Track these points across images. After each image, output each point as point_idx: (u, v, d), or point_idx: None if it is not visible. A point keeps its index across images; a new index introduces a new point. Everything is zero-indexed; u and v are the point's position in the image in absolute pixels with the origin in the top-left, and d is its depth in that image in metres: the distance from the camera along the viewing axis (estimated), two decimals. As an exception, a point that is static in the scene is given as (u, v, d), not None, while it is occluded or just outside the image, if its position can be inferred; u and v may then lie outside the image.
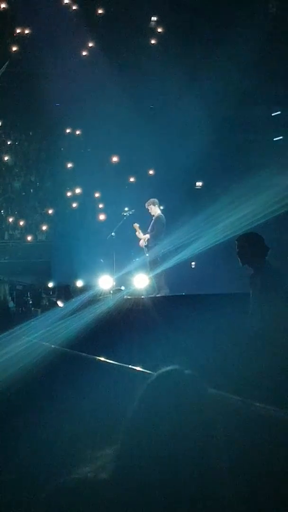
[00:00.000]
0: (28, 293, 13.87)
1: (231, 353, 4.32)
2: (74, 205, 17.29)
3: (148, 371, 2.90)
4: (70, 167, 17.33)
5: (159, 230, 10.17)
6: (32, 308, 12.69)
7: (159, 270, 10.03)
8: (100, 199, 16.97)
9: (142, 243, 10.43)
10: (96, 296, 10.34)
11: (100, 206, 16.84)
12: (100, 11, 16.41)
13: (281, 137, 14.14)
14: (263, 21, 14.31)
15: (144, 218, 11.00)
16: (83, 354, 4.09)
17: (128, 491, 1.16)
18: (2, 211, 17.51)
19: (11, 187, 17.92)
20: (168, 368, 1.33)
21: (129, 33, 16.04)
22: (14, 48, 16.36)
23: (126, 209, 11.97)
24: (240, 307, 4.93)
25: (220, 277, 12.24)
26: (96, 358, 3.76)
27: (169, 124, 15.31)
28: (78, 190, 17.25)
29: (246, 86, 14.45)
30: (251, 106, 14.32)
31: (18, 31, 16.43)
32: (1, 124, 17.59)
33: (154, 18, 16.65)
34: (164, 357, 4.82)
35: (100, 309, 8.48)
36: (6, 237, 17.12)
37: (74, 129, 17.43)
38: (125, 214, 11.43)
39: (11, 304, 12.84)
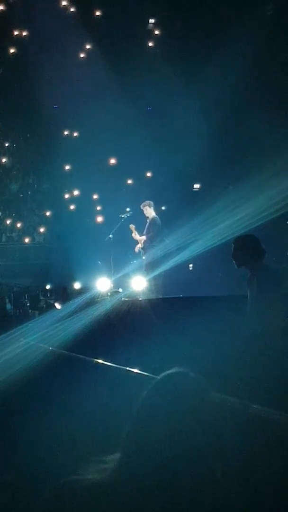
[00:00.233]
0: (26, 295, 13.84)
1: (229, 355, 4.32)
2: (72, 207, 17.28)
3: (146, 373, 2.90)
4: (68, 169, 17.32)
5: (155, 232, 10.19)
6: (30, 310, 12.66)
7: (155, 272, 10.04)
8: (98, 201, 16.97)
9: (137, 248, 10.45)
10: (93, 298, 10.34)
11: (98, 208, 16.85)
12: (97, 13, 16.43)
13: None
14: (262, 24, 14.34)
15: (142, 220, 11.02)
16: (81, 356, 4.09)
17: (130, 494, 1.15)
18: (-1, 213, 17.51)
19: (9, 189, 17.90)
20: (173, 370, 1.32)
21: (127, 35, 16.05)
22: (12, 50, 16.37)
23: (127, 209, 11.97)
24: (238, 309, 4.94)
25: (218, 279, 12.25)
26: (93, 360, 3.75)
27: (166, 127, 15.34)
28: (76, 192, 17.25)
29: (245, 88, 14.47)
30: (249, 108, 14.32)
31: (15, 33, 16.44)
32: (-1, 126, 17.60)
33: (152, 21, 16.68)
34: (162, 359, 4.82)
35: (97, 311, 8.47)
36: (3, 239, 17.10)
37: (72, 131, 17.43)
38: (123, 216, 11.44)
39: (8, 306, 12.83)
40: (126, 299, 9.67)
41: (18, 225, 17.29)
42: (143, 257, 10.45)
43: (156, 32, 16.67)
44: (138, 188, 15.86)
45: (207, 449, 1.19)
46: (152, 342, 5.56)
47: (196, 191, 16.22)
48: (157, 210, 11.52)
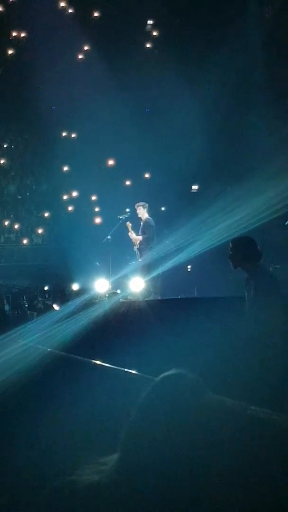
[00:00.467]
0: (24, 296, 13.84)
1: (227, 356, 4.32)
2: (70, 208, 17.28)
3: (144, 375, 2.90)
4: (66, 170, 17.32)
5: (151, 234, 10.20)
6: (28, 311, 12.66)
7: (152, 274, 10.05)
8: (96, 203, 16.98)
9: (135, 246, 10.46)
10: (92, 299, 10.33)
11: (96, 209, 16.84)
12: (95, 14, 16.44)
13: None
14: (260, 25, 14.36)
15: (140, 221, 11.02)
16: (79, 357, 4.08)
17: (128, 495, 1.15)
18: (-3, 214, 17.50)
19: (7, 190, 17.89)
20: (171, 372, 1.32)
21: (125, 36, 16.07)
22: (10, 51, 16.37)
23: (127, 209, 11.96)
24: (236, 311, 4.94)
25: (216, 280, 12.24)
26: (91, 362, 3.75)
27: (165, 128, 15.35)
28: (74, 193, 17.24)
29: (243, 89, 14.49)
30: (248, 110, 14.35)
31: (13, 34, 16.44)
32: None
33: (150, 22, 16.70)
34: (161, 360, 4.82)
35: (96, 312, 8.47)
36: (1, 240, 17.09)
37: (70, 132, 17.43)
38: (121, 217, 11.44)
39: (6, 307, 12.81)
40: (124, 300, 9.67)
41: (16, 226, 17.28)
42: (139, 259, 10.45)
43: (154, 33, 16.69)
44: (136, 189, 15.86)
45: (205, 450, 1.18)
46: (150, 343, 5.56)
47: (194, 192, 16.23)
48: (153, 211, 11.54)
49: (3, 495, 2.77)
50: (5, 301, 13.02)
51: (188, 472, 1.16)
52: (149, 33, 16.77)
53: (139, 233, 10.45)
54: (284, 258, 11.02)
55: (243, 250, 4.66)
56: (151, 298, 9.81)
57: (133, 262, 11.34)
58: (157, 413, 1.24)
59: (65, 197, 17.42)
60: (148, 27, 16.76)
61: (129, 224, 10.68)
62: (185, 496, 1.14)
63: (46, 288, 14.23)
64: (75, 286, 12.64)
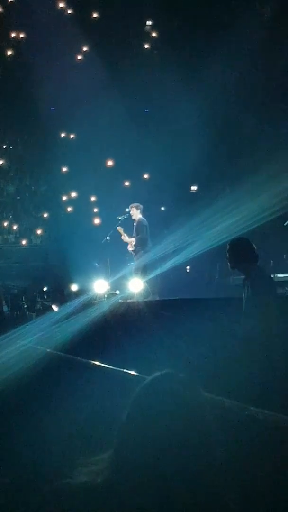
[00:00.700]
0: (23, 297, 13.84)
1: (225, 356, 4.34)
2: (69, 209, 17.28)
3: (142, 376, 2.90)
4: (65, 171, 17.32)
5: (143, 234, 10.20)
6: (27, 312, 12.66)
7: (148, 275, 10.05)
8: (95, 203, 16.98)
9: (129, 247, 10.47)
10: (91, 300, 10.34)
11: (95, 210, 16.85)
12: (94, 15, 16.45)
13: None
14: (260, 25, 14.36)
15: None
16: (78, 358, 4.09)
17: (121, 496, 1.16)
18: (-4, 215, 17.49)
19: (6, 191, 17.89)
20: (162, 372, 1.33)
21: (124, 37, 16.09)
22: (9, 52, 16.38)
23: (127, 210, 11.97)
24: (235, 311, 4.95)
25: (215, 281, 12.26)
26: (90, 362, 3.76)
27: (164, 128, 15.35)
28: (73, 194, 17.24)
29: (242, 90, 14.51)
30: (247, 111, 14.36)
31: (12, 35, 16.45)
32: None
33: (149, 23, 16.71)
34: (159, 361, 4.82)
35: (94, 313, 8.47)
36: (0, 241, 17.09)
37: (69, 133, 17.43)
38: (120, 218, 11.44)
39: (5, 308, 12.82)
40: (123, 301, 9.68)
41: (15, 227, 17.28)
42: (135, 260, 10.45)
43: (154, 34, 16.70)
44: (135, 190, 15.87)
45: (197, 449, 1.19)
46: (149, 344, 5.56)
47: (193, 193, 16.24)
48: (153, 211, 11.54)
49: (1, 496, 2.78)
50: (4, 302, 13.03)
51: (181, 469, 1.17)
52: (148, 33, 16.78)
53: (133, 234, 10.45)
54: (282, 259, 11.03)
55: (239, 251, 4.71)
56: (150, 298, 9.81)
57: (132, 263, 11.34)
58: (148, 412, 1.25)
59: (64, 198, 17.42)
60: (147, 27, 16.77)
61: (120, 228, 10.69)
62: (179, 494, 1.15)
63: (45, 289, 14.23)
64: (74, 287, 12.65)
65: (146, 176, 16.91)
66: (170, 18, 15.99)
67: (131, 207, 10.47)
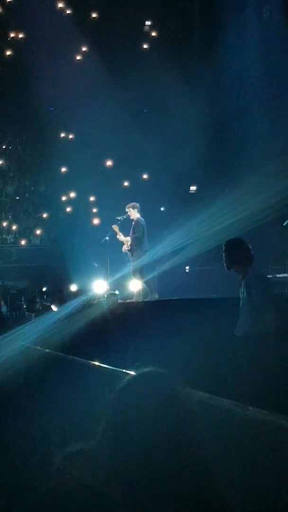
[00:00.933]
0: (22, 297, 13.85)
1: (222, 356, 4.34)
2: (68, 209, 17.29)
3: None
4: (64, 171, 17.33)
5: (140, 233, 10.18)
6: (26, 312, 12.66)
7: (146, 276, 10.03)
8: (94, 203, 16.98)
9: (124, 248, 10.46)
10: (90, 300, 10.33)
11: (94, 210, 16.85)
12: (94, 15, 16.46)
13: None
14: (259, 27, 14.37)
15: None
16: (77, 358, 4.09)
17: (107, 492, 1.17)
18: (-4, 215, 17.50)
19: (5, 191, 17.90)
20: (145, 369, 1.34)
21: (123, 37, 16.09)
22: (8, 52, 16.38)
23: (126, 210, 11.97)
24: (234, 312, 4.96)
25: (214, 281, 12.24)
26: (90, 363, 3.76)
27: (163, 129, 15.36)
28: (72, 194, 17.25)
29: (241, 91, 14.52)
30: (246, 111, 14.36)
31: (12, 35, 16.46)
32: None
33: (148, 23, 16.73)
34: (159, 360, 4.83)
35: (94, 313, 8.48)
36: (-1, 241, 17.11)
37: (68, 133, 17.44)
38: (119, 218, 11.43)
39: (4, 308, 12.83)
40: (122, 301, 9.68)
41: (14, 227, 17.28)
42: (131, 260, 10.44)
43: (153, 34, 16.71)
44: (134, 190, 15.87)
45: (179, 445, 1.20)
46: (148, 344, 5.57)
47: (192, 193, 16.24)
48: (152, 211, 11.53)
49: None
50: (3, 302, 13.03)
51: (162, 465, 1.18)
52: (148, 34, 16.80)
53: (130, 233, 10.45)
54: (281, 259, 11.02)
55: (235, 252, 4.73)
56: (149, 299, 9.81)
57: (131, 263, 11.33)
58: (131, 408, 1.26)
59: (63, 198, 17.42)
60: (147, 28, 16.78)
61: (115, 226, 10.67)
62: (163, 491, 1.16)
63: (44, 289, 14.23)
64: (73, 287, 12.65)
65: (145, 176, 16.91)
66: (170, 18, 16.00)
67: (128, 207, 10.47)
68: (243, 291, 4.60)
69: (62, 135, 17.45)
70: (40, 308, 12.84)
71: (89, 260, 13.33)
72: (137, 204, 10.52)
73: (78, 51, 16.70)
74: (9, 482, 2.88)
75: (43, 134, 17.22)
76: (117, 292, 10.19)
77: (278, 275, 9.79)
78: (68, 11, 16.32)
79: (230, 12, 14.36)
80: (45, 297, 13.90)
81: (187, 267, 12.98)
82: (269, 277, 4.65)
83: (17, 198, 17.96)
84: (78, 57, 16.70)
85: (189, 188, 16.29)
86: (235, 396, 2.51)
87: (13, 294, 14.07)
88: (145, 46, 16.76)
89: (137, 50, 16.51)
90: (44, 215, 17.54)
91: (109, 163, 17.04)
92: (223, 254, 4.80)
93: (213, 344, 4.87)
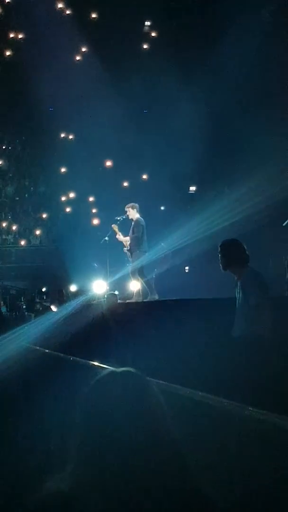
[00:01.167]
0: (22, 298, 13.86)
1: (220, 356, 4.34)
2: (68, 209, 17.29)
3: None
4: (64, 171, 17.33)
5: (139, 232, 10.16)
6: (26, 313, 12.67)
7: (146, 276, 10.02)
8: (94, 204, 16.99)
9: (125, 248, 10.45)
10: (89, 300, 10.33)
11: (94, 210, 16.85)
12: (94, 15, 16.47)
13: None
14: (259, 26, 14.37)
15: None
16: (76, 358, 4.09)
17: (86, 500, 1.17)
18: (-5, 216, 17.51)
19: (5, 192, 17.90)
20: (119, 369, 1.36)
21: (123, 37, 16.10)
22: (8, 53, 16.39)
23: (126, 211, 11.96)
24: (233, 312, 4.95)
25: (214, 282, 12.23)
26: (89, 363, 3.76)
27: (163, 129, 15.36)
28: (71, 195, 17.26)
29: (240, 91, 14.52)
30: (245, 112, 14.37)
31: (11, 35, 16.46)
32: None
33: (148, 23, 16.73)
34: (158, 361, 4.83)
35: (93, 313, 8.48)
36: (-1, 241, 17.12)
37: (68, 134, 17.45)
38: (118, 218, 11.42)
39: (3, 308, 12.83)
40: (122, 301, 9.68)
41: (14, 227, 17.29)
42: (130, 260, 10.42)
43: (153, 34, 16.72)
44: (134, 190, 15.87)
45: (148, 442, 1.21)
46: (148, 344, 5.57)
47: (192, 193, 16.24)
48: (152, 211, 11.52)
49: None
50: (3, 302, 13.04)
51: (136, 466, 1.18)
52: (148, 34, 16.80)
53: (130, 233, 10.43)
54: (279, 259, 11.02)
55: (230, 253, 4.74)
56: (148, 299, 9.80)
57: (130, 264, 11.32)
58: (102, 407, 1.28)
59: (63, 199, 17.43)
60: (146, 28, 16.79)
61: (115, 226, 10.65)
62: (136, 487, 1.16)
63: (44, 289, 14.25)
64: (73, 287, 12.65)
65: (144, 176, 16.92)
66: (169, 19, 16.00)
67: (127, 207, 10.46)
68: (239, 291, 4.61)
69: (62, 135, 17.45)
70: (40, 308, 12.85)
71: (89, 261, 13.33)
72: (136, 204, 10.50)
73: (78, 51, 16.70)
74: (4, 483, 2.88)
75: (43, 134, 17.23)
76: (116, 292, 10.18)
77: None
78: (68, 11, 16.32)
79: (230, 12, 14.36)
80: (44, 297, 13.91)
81: (186, 267, 12.98)
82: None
83: (17, 198, 17.96)
84: (78, 57, 16.70)
85: (189, 189, 16.29)
86: (232, 395, 2.50)
87: (13, 294, 14.09)
88: (145, 46, 16.76)
89: (137, 50, 16.51)
90: (44, 216, 17.55)
91: (108, 163, 17.05)
92: (219, 255, 4.82)
93: (213, 344, 4.87)
